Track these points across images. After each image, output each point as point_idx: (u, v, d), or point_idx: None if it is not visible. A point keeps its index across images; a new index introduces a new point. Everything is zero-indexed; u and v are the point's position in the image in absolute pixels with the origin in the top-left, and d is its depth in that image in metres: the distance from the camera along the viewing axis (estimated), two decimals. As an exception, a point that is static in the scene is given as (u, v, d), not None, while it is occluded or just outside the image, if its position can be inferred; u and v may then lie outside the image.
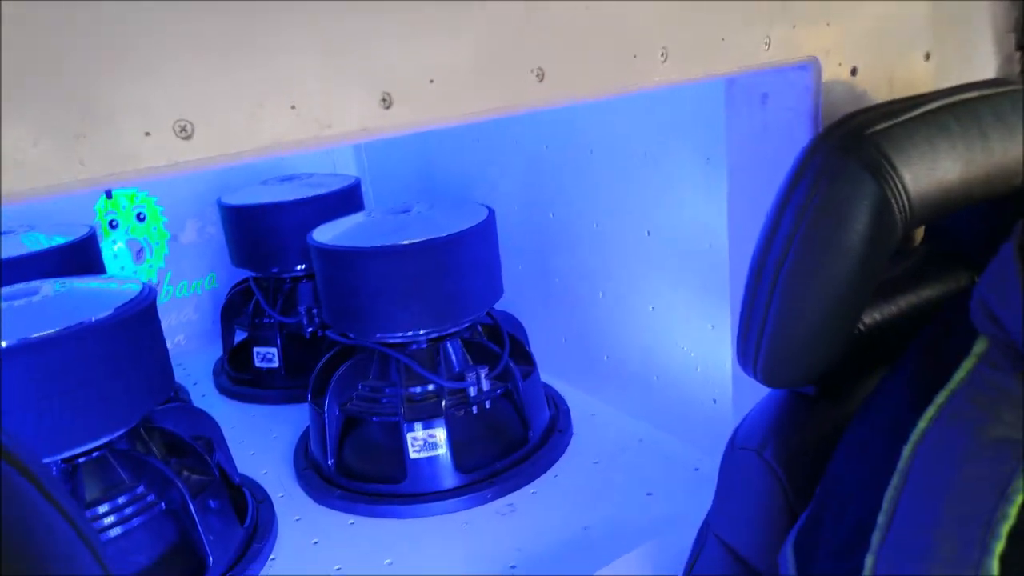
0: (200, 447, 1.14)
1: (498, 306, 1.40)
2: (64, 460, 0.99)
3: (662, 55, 0.60)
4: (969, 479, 0.43)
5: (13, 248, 1.48)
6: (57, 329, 0.92)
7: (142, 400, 1.03)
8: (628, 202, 1.25)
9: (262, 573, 1.11)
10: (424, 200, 1.41)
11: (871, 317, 0.68)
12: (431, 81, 0.50)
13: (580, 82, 0.56)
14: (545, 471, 1.28)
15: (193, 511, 1.04)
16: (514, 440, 1.29)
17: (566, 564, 1.05)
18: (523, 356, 1.36)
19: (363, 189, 1.84)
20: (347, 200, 1.70)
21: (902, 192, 0.59)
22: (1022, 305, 0.47)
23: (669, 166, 1.16)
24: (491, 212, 1.30)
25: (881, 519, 0.44)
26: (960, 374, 0.50)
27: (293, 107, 0.45)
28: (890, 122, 0.60)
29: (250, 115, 0.44)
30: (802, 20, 0.67)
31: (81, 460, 1.01)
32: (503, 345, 1.31)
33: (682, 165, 1.13)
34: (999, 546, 0.40)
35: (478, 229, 1.23)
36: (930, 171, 0.60)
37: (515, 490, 1.23)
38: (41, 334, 0.91)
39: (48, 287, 1.05)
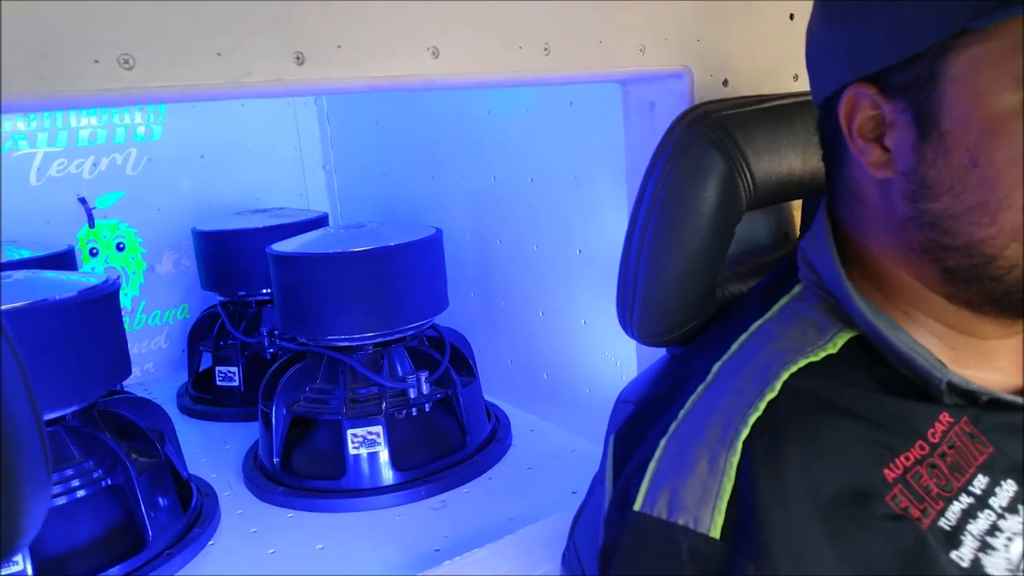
0: (152, 436, 1.21)
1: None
2: (18, 430, 1.06)
3: (545, 49, 0.72)
4: (747, 380, 0.53)
5: (-6, 257, 1.58)
6: (21, 303, 1.01)
7: (96, 381, 1.11)
8: (561, 224, 1.37)
9: (200, 554, 1.17)
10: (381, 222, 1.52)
11: (737, 288, 0.78)
12: (339, 47, 0.61)
13: (471, 64, 0.68)
14: (480, 474, 1.35)
15: (137, 488, 1.10)
16: (452, 444, 1.37)
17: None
18: (465, 367, 1.44)
19: (332, 223, 1.95)
20: (313, 229, 1.81)
21: (745, 169, 0.69)
22: (828, 250, 0.58)
23: (594, 188, 1.28)
24: (438, 231, 1.40)
25: (681, 413, 0.53)
26: (775, 308, 0.61)
27: (219, 54, 0.56)
28: (738, 110, 0.72)
29: (182, 56, 0.55)
30: (673, 34, 0.79)
31: (34, 433, 1.08)
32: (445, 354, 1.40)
33: (605, 186, 1.25)
34: (745, 432, 0.49)
35: (423, 242, 1.33)
36: (771, 155, 0.71)
37: (449, 489, 1.30)
38: (7, 306, 1.00)
39: (19, 274, 1.14)
